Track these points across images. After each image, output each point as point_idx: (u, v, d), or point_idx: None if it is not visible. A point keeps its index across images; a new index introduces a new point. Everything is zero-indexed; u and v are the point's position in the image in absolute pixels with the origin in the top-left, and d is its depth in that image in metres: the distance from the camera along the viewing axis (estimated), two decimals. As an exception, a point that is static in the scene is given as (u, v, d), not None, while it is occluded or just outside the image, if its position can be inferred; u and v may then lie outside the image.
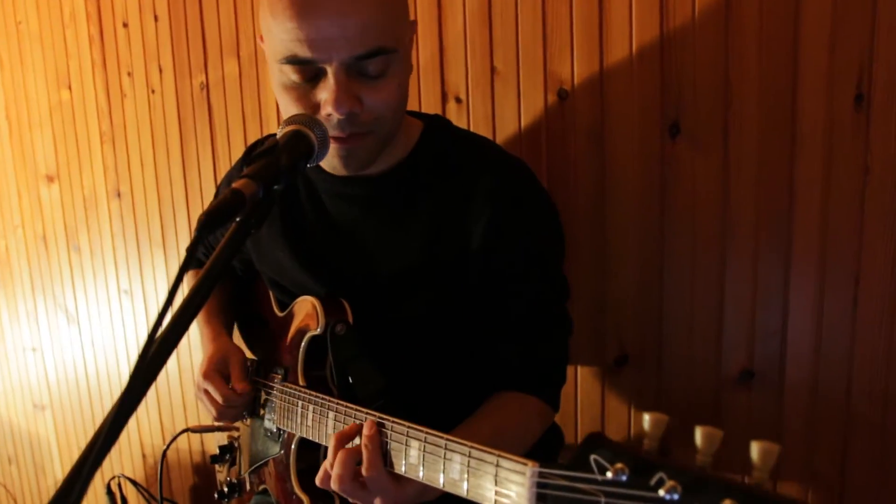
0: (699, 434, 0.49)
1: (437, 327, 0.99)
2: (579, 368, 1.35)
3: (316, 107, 0.83)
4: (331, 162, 0.89)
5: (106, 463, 2.18)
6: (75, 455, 2.26)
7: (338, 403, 0.83)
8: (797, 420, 1.17)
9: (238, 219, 0.69)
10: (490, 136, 1.34)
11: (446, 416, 0.91)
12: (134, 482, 1.85)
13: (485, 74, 1.33)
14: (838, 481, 1.16)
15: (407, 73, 0.89)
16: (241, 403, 1.02)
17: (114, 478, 1.85)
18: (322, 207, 1.01)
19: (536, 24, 1.26)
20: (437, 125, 1.02)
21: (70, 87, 1.98)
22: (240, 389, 1.00)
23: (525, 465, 0.57)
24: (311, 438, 0.90)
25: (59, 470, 2.36)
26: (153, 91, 1.80)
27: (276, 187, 0.70)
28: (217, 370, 1.02)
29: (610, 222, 1.26)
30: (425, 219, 0.95)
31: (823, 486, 1.17)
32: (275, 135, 0.79)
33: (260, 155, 0.70)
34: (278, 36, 0.81)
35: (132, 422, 2.06)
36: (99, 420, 2.16)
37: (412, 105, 1.42)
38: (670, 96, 1.17)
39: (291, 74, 0.83)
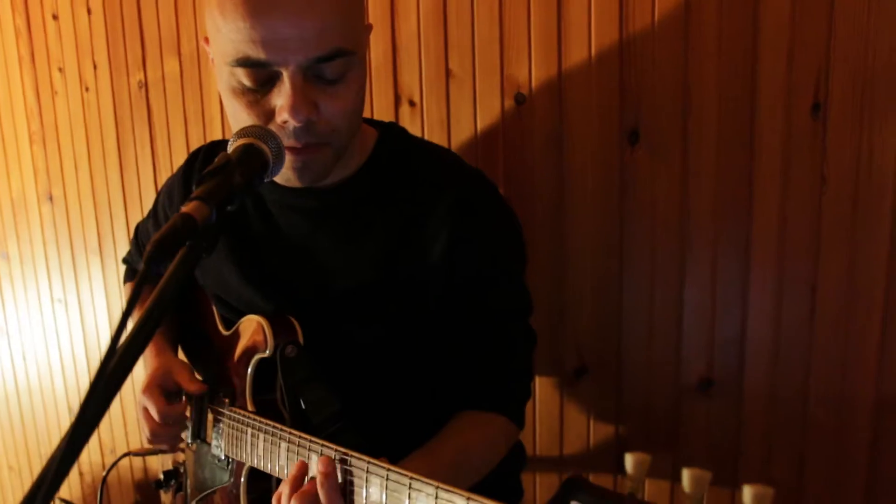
0: (686, 477, 0.46)
1: (394, 346, 0.94)
2: (538, 379, 1.32)
3: (270, 114, 0.77)
4: (284, 174, 0.83)
5: (34, 479, 2.06)
6: (4, 475, 2.14)
7: (290, 433, 0.78)
8: (756, 427, 1.17)
9: (187, 244, 0.63)
10: (445, 141, 1.30)
11: (409, 437, 0.87)
12: (68, 503, 1.75)
13: (440, 77, 1.28)
14: (797, 486, 1.16)
15: (364, 78, 0.84)
16: (180, 421, 0.95)
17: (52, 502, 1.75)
18: (271, 220, 0.95)
19: (493, 25, 1.22)
20: (392, 134, 0.97)
21: (-6, 83, 1.85)
22: (193, 390, 0.93)
23: None
24: (262, 469, 0.84)
25: (-12, 489, 2.22)
26: (87, 89, 1.69)
27: (229, 208, 0.64)
28: (158, 385, 0.95)
29: (568, 230, 1.23)
30: (381, 233, 0.90)
31: (782, 492, 1.18)
32: (224, 146, 0.73)
33: (211, 173, 0.64)
34: (228, 36, 0.74)
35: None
36: (32, 437, 2.05)
37: (364, 108, 1.37)
38: (629, 103, 1.15)
39: (243, 78, 0.77)
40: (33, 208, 1.86)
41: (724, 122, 1.10)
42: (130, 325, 0.56)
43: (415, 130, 1.33)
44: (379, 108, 1.35)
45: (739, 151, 1.10)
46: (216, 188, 0.63)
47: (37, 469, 2.02)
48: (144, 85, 1.61)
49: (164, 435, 0.96)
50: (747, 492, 0.45)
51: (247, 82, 0.77)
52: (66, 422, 1.95)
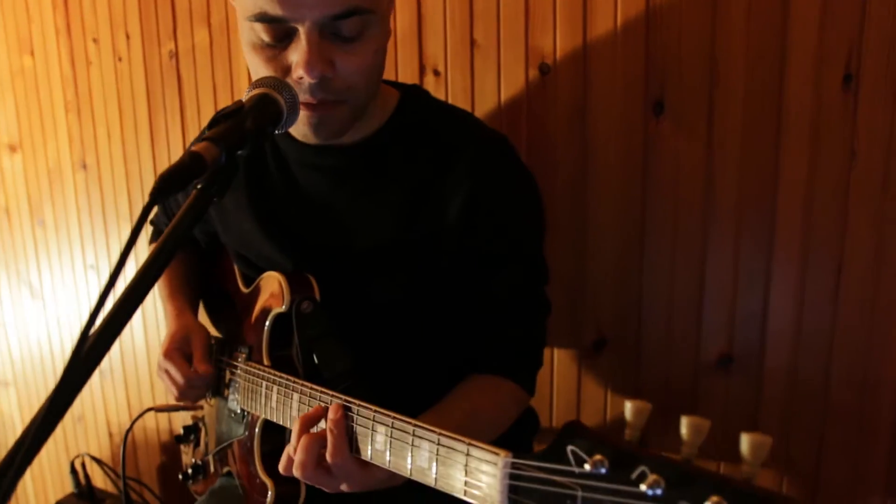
0: (685, 424, 0.46)
1: (409, 306, 0.95)
2: (556, 351, 1.32)
3: (287, 69, 0.78)
4: (301, 129, 0.84)
5: (71, 441, 2.12)
6: (40, 434, 2.20)
7: (302, 385, 0.79)
8: (775, 407, 1.16)
9: (199, 185, 0.64)
10: (468, 110, 1.30)
11: (419, 399, 0.88)
12: (98, 461, 1.81)
13: (464, 47, 1.28)
14: (814, 469, 1.15)
15: (384, 38, 0.83)
16: (203, 384, 0.98)
17: (78, 456, 1.80)
18: (291, 178, 0.96)
19: (519, -6, 1.21)
20: (414, 95, 0.97)
21: (32, 53, 1.89)
22: (201, 371, 0.95)
23: (497, 454, 0.54)
24: (275, 421, 0.86)
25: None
26: (120, 59, 1.72)
27: (240, 152, 0.65)
28: (178, 349, 0.98)
29: (590, 201, 1.22)
30: (399, 192, 0.91)
31: (800, 474, 1.16)
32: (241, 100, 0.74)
33: (224, 117, 0.66)
34: None
35: (98, 400, 2.00)
36: (64, 398, 2.11)
37: (388, 77, 1.37)
38: (655, 73, 1.13)
39: (261, 33, 0.78)
40: (68, 176, 1.91)
41: (751, 94, 1.08)
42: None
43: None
44: (404, 77, 1.35)
45: (766, 124, 1.08)
46: (227, 131, 0.64)
47: (69, 427, 2.09)
48: (175, 55, 1.63)
49: (190, 394, 0.99)
50: (745, 440, 0.44)
51: (265, 37, 0.78)
52: (96, 382, 2.00)
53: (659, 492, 0.44)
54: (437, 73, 1.32)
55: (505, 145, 0.96)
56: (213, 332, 1.12)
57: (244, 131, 0.66)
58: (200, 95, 1.62)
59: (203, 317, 1.16)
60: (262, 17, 0.75)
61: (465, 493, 0.57)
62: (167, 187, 0.56)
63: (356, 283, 0.93)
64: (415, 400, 0.88)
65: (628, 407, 0.49)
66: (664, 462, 0.45)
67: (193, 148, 0.61)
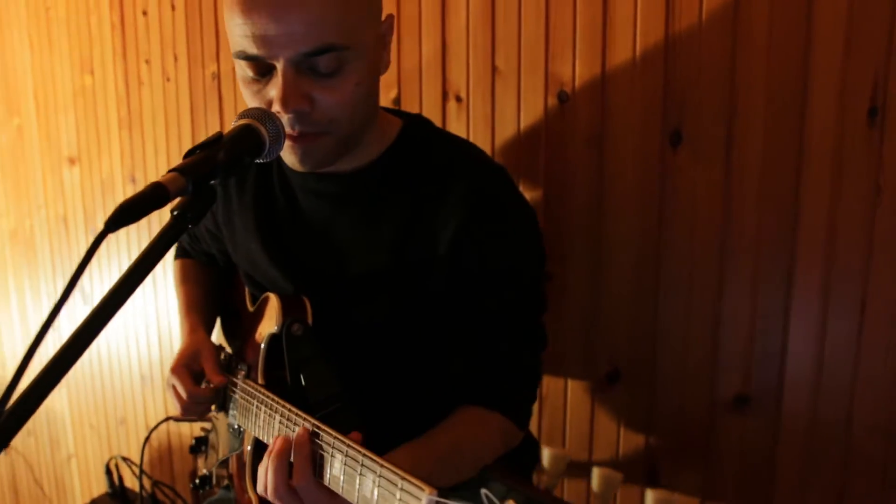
0: (597, 476, 0.45)
1: (401, 334, 0.95)
2: (569, 382, 1.30)
3: (269, 104, 0.81)
4: (289, 159, 0.87)
5: (114, 442, 2.21)
6: (88, 432, 2.31)
7: (283, 406, 0.81)
8: (793, 452, 1.11)
9: (174, 212, 0.67)
10: (489, 138, 1.30)
11: (408, 424, 0.88)
12: (129, 462, 1.87)
13: (486, 73, 1.29)
14: (834, 521, 1.09)
15: (369, 71, 0.84)
16: (206, 400, 1.00)
17: (112, 458, 1.88)
18: (295, 202, 0.99)
19: (539, 22, 1.21)
20: (416, 124, 0.99)
21: (92, 73, 2.00)
22: (215, 382, 0.98)
23: (422, 490, 0.54)
24: (261, 439, 0.88)
25: (71, 444, 2.41)
26: (168, 79, 1.81)
27: (212, 182, 0.68)
28: (186, 365, 1.01)
29: (606, 232, 1.21)
30: (396, 220, 0.92)
31: (818, 524, 1.11)
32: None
33: (200, 147, 0.68)
34: (231, 30, 0.79)
35: (139, 404, 2.08)
36: (109, 399, 2.20)
37: (413, 103, 1.39)
38: (673, 103, 1.11)
39: (247, 69, 0.81)
40: (119, 188, 2.00)
41: (771, 125, 1.04)
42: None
43: (460, 126, 1.34)
44: (427, 103, 1.37)
45: (787, 156, 1.04)
46: (196, 162, 0.66)
47: (112, 428, 2.18)
48: (217, 76, 1.70)
49: (194, 409, 1.02)
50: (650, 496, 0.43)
51: (250, 73, 0.81)
52: (138, 388, 2.08)
53: None
54: (459, 99, 1.33)
55: (500, 176, 0.95)
56: (227, 347, 1.15)
57: (215, 162, 0.68)
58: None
59: (219, 334, 1.20)
60: (242, 56, 0.79)
61: None
62: (123, 217, 0.59)
63: (349, 307, 0.95)
64: (406, 426, 0.88)
65: (545, 454, 0.48)
66: None
67: (160, 178, 0.63)
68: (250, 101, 0.83)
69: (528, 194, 1.28)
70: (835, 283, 1.04)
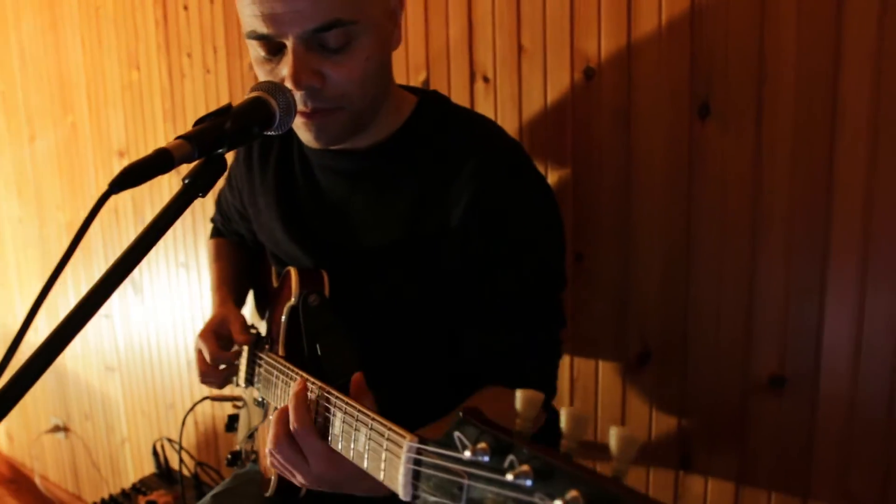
0: (564, 415, 0.44)
1: (416, 309, 0.95)
2: (600, 363, 1.28)
3: (283, 82, 0.82)
4: (304, 136, 0.88)
5: (164, 426, 2.28)
6: (139, 418, 2.39)
7: (298, 374, 0.82)
8: (832, 433, 1.06)
9: (185, 181, 0.69)
10: (516, 117, 1.29)
11: (423, 400, 0.88)
12: (170, 441, 1.93)
13: (512, 53, 1.28)
14: (877, 504, 1.04)
15: (379, 46, 0.85)
16: (228, 362, 1.02)
17: (159, 439, 1.94)
18: (314, 180, 1.00)
19: (564, -1, 1.19)
20: (431, 101, 0.99)
21: (138, 68, 2.07)
22: (240, 340, 1.00)
23: (403, 437, 0.54)
24: (279, 408, 0.89)
25: (125, 429, 2.50)
26: (208, 71, 1.86)
27: (219, 151, 0.69)
28: (213, 331, 1.03)
29: (635, 208, 1.18)
30: (410, 195, 0.92)
31: (860, 509, 1.06)
32: None
33: (208, 116, 0.70)
34: (241, 11, 0.81)
35: (186, 390, 2.15)
36: (159, 386, 2.28)
37: (441, 85, 1.39)
38: (700, 74, 1.08)
39: (259, 49, 0.83)
40: (164, 180, 2.07)
41: (803, 93, 1.00)
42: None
43: (488, 106, 1.33)
44: (455, 84, 1.37)
45: (820, 124, 1.00)
46: (203, 130, 0.68)
47: (162, 414, 2.25)
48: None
49: (212, 376, 1.04)
50: (613, 434, 0.42)
51: (262, 53, 0.83)
52: (185, 374, 2.15)
53: (528, 482, 0.42)
54: (486, 79, 1.32)
55: (513, 150, 0.95)
56: (261, 327, 1.18)
57: (222, 131, 0.70)
58: (275, 104, 1.71)
59: (253, 314, 1.23)
60: (253, 36, 0.81)
61: (383, 480, 0.58)
62: (127, 180, 0.61)
63: (365, 282, 0.96)
64: (421, 401, 0.89)
65: (518, 396, 0.47)
66: (533, 453, 0.43)
67: (166, 145, 0.65)
68: (264, 80, 0.84)
69: (556, 174, 1.27)
70: (873, 256, 0.99)
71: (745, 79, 1.05)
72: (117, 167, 2.25)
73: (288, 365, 0.87)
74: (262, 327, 1.17)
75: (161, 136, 2.05)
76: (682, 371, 1.19)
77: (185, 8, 1.88)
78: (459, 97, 1.36)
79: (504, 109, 1.31)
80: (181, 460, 1.35)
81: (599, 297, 1.25)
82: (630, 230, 1.20)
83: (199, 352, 1.03)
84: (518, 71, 1.28)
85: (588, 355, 1.29)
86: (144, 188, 2.15)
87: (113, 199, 2.14)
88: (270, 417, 0.95)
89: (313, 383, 0.76)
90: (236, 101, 1.77)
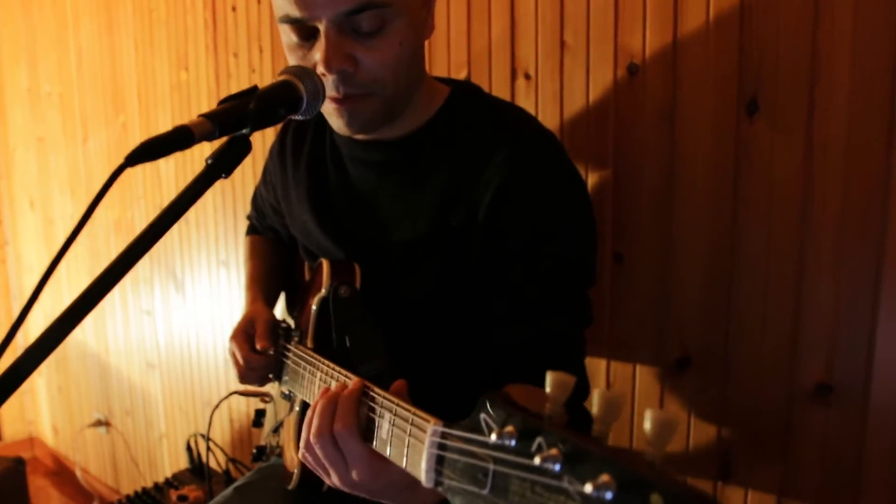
0: (597, 397, 0.42)
1: (442, 301, 0.94)
2: (638, 368, 1.25)
3: (315, 67, 0.82)
4: (335, 123, 0.88)
5: (200, 423, 2.31)
6: (177, 414, 2.42)
7: (325, 364, 0.81)
8: (883, 446, 1.01)
9: (208, 161, 0.69)
10: (557, 114, 1.28)
11: (452, 394, 0.86)
12: (204, 437, 1.94)
13: (554, 49, 1.26)
14: (932, 524, 0.98)
15: (413, 31, 0.84)
16: (262, 366, 1.03)
17: (192, 435, 1.96)
18: (345, 172, 1.00)
19: (609, -8, 1.18)
20: (464, 91, 0.98)
21: (187, 68, 2.12)
22: (259, 346, 1.00)
23: (427, 422, 0.52)
24: (306, 400, 0.88)
25: (163, 425, 2.53)
26: (254, 70, 1.89)
27: (244, 131, 0.69)
28: (245, 331, 1.04)
29: (678, 209, 1.15)
30: (439, 186, 0.91)
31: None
32: None
33: (231, 97, 0.70)
34: None
35: (223, 388, 2.17)
36: (197, 383, 2.30)
37: (482, 82, 1.38)
38: (749, 69, 1.05)
39: (291, 34, 0.83)
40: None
41: (858, 90, 0.96)
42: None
43: (529, 104, 1.32)
44: (497, 82, 1.36)
45: (877, 125, 0.96)
46: (226, 110, 0.68)
47: (199, 411, 2.27)
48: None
49: (250, 377, 1.05)
50: (649, 417, 0.39)
51: (294, 38, 0.83)
52: (222, 372, 2.17)
53: (557, 466, 0.40)
54: (527, 76, 1.31)
55: (545, 140, 0.92)
56: (291, 322, 1.18)
57: (245, 111, 0.69)
58: (317, 103, 1.72)
59: (285, 309, 1.23)
60: (286, 20, 0.81)
61: (406, 464, 0.55)
62: (145, 153, 0.61)
63: (395, 275, 0.95)
64: (448, 395, 0.87)
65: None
66: (563, 435, 0.41)
67: (187, 122, 0.65)
68: None
69: (597, 172, 1.24)
70: (931, 261, 0.94)
71: (797, 76, 1.01)
72: (164, 166, 2.30)
73: (316, 356, 0.86)
74: (293, 322, 1.18)
75: (206, 136, 2.09)
76: (723, 377, 1.15)
77: (234, 9, 1.92)
78: (500, 94, 1.35)
79: (545, 107, 1.29)
80: (209, 452, 1.35)
81: (638, 299, 1.21)
82: (672, 231, 1.16)
83: (233, 354, 1.04)
84: (560, 68, 1.26)
85: (626, 359, 1.26)
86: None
87: (158, 196, 2.18)
88: (296, 409, 0.95)
89: (347, 376, 0.74)
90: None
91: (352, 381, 0.73)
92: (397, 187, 0.95)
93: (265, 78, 1.86)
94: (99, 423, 2.93)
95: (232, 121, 0.69)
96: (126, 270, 0.62)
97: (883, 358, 0.99)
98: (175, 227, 2.22)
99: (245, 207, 1.97)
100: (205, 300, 2.21)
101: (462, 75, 1.40)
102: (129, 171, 2.12)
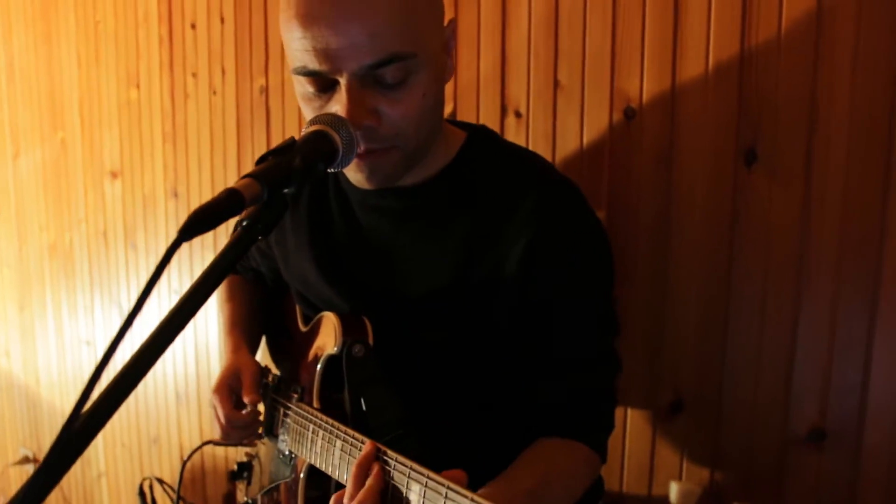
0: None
1: (466, 357, 0.90)
2: (629, 411, 1.24)
3: None
4: (355, 177, 0.83)
5: (146, 462, 2.18)
6: (118, 450, 2.28)
7: (345, 432, 0.76)
8: (875, 492, 1.03)
9: (244, 223, 0.63)
10: (549, 154, 1.26)
11: (473, 452, 0.83)
12: (163, 483, 1.83)
13: (547, 88, 1.25)
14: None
15: (435, 80, 0.80)
16: (247, 424, 0.96)
17: (146, 479, 1.84)
18: (353, 219, 0.95)
19: (605, 35, 1.17)
20: (481, 136, 0.95)
21: (138, 87, 2.00)
22: (248, 401, 0.94)
23: None
24: (318, 466, 0.83)
25: (102, 462, 2.37)
26: (215, 92, 1.80)
27: (286, 191, 0.64)
28: (228, 385, 0.97)
29: (673, 254, 1.15)
30: (460, 237, 0.87)
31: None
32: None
33: (273, 153, 0.65)
34: (290, 45, 0.76)
35: (173, 423, 2.05)
36: (143, 418, 2.17)
37: (470, 118, 1.36)
38: (748, 119, 1.06)
39: (307, 86, 0.78)
40: (160, 203, 1.99)
41: (856, 143, 0.99)
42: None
43: (519, 142, 1.30)
44: (485, 118, 1.33)
45: (874, 176, 0.98)
46: (272, 168, 0.63)
47: (145, 448, 2.14)
48: (265, 90, 1.68)
49: (234, 435, 0.98)
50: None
51: (311, 89, 0.78)
52: (172, 406, 2.05)
53: None
54: (518, 114, 1.29)
55: (570, 190, 0.90)
56: (275, 369, 1.11)
57: (291, 169, 0.64)
58: (287, 129, 1.66)
59: (265, 354, 1.16)
60: (303, 72, 0.76)
61: None
62: (199, 225, 0.55)
63: (411, 328, 0.90)
64: (470, 453, 0.83)
65: (673, 489, 0.42)
66: None
67: (234, 184, 0.59)
68: (312, 117, 0.79)
69: (590, 214, 1.23)
70: (925, 311, 0.97)
71: (796, 127, 1.03)
72: (109, 188, 2.16)
73: (330, 420, 0.81)
74: (276, 368, 1.11)
75: (159, 158, 1.98)
76: (716, 421, 1.15)
77: (193, 26, 1.82)
78: (488, 131, 1.32)
79: (537, 146, 1.28)
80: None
81: (631, 341, 1.21)
82: (666, 275, 1.16)
83: (215, 408, 0.96)
84: (553, 107, 1.25)
85: (618, 401, 1.25)
86: (139, 210, 2.06)
87: (102, 220, 2.06)
88: (302, 476, 0.89)
89: (384, 451, 0.69)
90: (244, 124, 1.73)
91: (374, 469, 0.67)
92: (414, 237, 0.90)
93: (227, 100, 1.77)
94: (26, 460, 2.72)
95: (279, 180, 0.63)
96: (153, 363, 0.56)
97: (876, 404, 1.02)
98: (121, 253, 2.10)
99: (203, 236, 1.88)
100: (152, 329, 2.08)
101: (448, 110, 1.37)
102: (70, 189, 2.00)
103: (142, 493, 1.79)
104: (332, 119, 0.72)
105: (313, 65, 0.74)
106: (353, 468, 0.71)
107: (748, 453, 1.13)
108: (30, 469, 2.74)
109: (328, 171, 0.73)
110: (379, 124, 0.77)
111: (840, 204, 1.01)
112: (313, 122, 0.72)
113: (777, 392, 1.09)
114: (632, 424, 1.24)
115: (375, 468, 0.68)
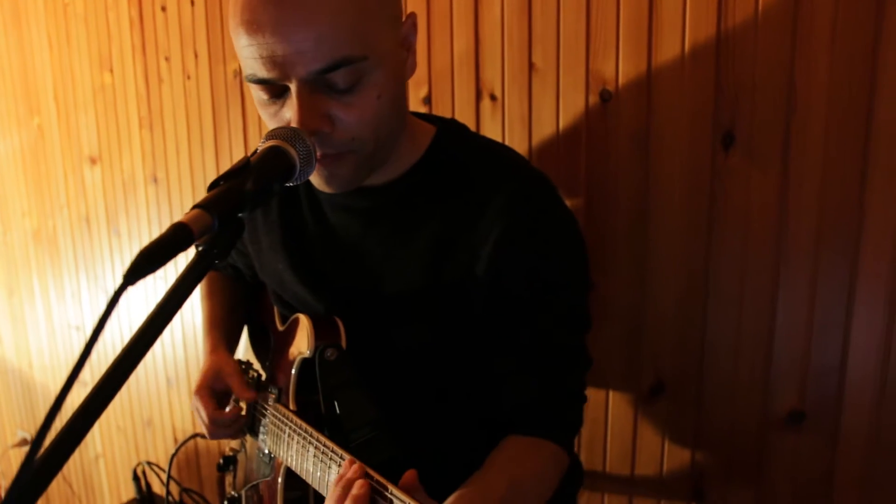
0: None
1: (437, 354, 0.90)
2: (611, 394, 1.24)
3: (287, 125, 0.75)
4: (315, 181, 0.81)
5: (141, 444, 2.20)
6: (114, 433, 2.30)
7: (317, 440, 0.76)
8: (852, 472, 1.04)
9: (199, 248, 0.62)
10: (525, 138, 1.24)
11: (446, 450, 0.83)
12: (155, 467, 1.85)
13: (522, 71, 1.22)
14: (899, 547, 1.03)
15: (392, 80, 0.78)
16: (229, 424, 0.96)
17: (139, 464, 1.86)
18: (324, 219, 0.93)
19: (580, 16, 1.14)
20: (450, 132, 0.92)
21: (112, 71, 1.96)
22: (245, 398, 0.94)
23: None
24: (294, 469, 0.83)
25: (98, 444, 2.40)
26: (189, 77, 1.76)
27: (240, 214, 0.62)
28: (208, 386, 0.97)
29: (652, 238, 1.14)
30: (431, 234, 0.86)
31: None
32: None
33: (225, 177, 0.63)
34: (239, 53, 0.73)
35: (165, 407, 2.06)
36: (136, 401, 2.18)
37: (445, 102, 1.33)
38: (725, 101, 1.04)
39: (260, 93, 0.75)
40: (140, 188, 1.97)
41: (833, 125, 0.97)
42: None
43: (495, 126, 1.28)
44: (460, 102, 1.31)
45: (851, 159, 0.97)
46: (222, 195, 0.61)
47: (139, 430, 2.16)
48: (239, 73, 1.65)
49: (221, 433, 0.98)
50: None
51: (264, 96, 0.75)
52: (164, 390, 2.06)
53: None
54: (493, 97, 1.27)
55: (542, 184, 0.89)
56: (256, 363, 1.11)
57: (242, 194, 0.62)
58: (262, 114, 1.63)
59: (248, 349, 1.16)
60: (254, 79, 0.73)
61: None
62: (146, 265, 0.53)
63: (384, 327, 0.89)
64: (444, 452, 0.83)
65: None
66: None
67: (182, 218, 0.58)
68: (270, 123, 0.77)
69: (569, 200, 1.21)
70: (902, 294, 0.97)
71: (774, 109, 1.01)
72: (89, 173, 2.13)
73: (304, 426, 0.81)
74: (258, 364, 1.11)
75: (137, 143, 1.95)
76: (696, 404, 1.16)
77: (163, 9, 1.78)
78: (464, 115, 1.30)
79: (513, 130, 1.26)
80: (168, 492, 1.28)
81: (611, 326, 1.21)
82: (646, 259, 1.16)
83: (197, 410, 0.96)
84: (529, 90, 1.23)
85: (599, 385, 1.25)
86: (119, 196, 2.04)
87: (83, 206, 2.04)
88: (280, 479, 0.89)
89: (368, 475, 0.69)
90: (219, 109, 1.70)
91: (357, 483, 0.67)
92: (385, 236, 0.89)
93: (201, 85, 1.74)
94: (25, 443, 2.75)
95: (230, 207, 0.61)
96: (127, 374, 0.55)
97: (854, 385, 1.02)
98: (105, 238, 2.09)
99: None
100: (139, 316, 2.08)
101: (422, 94, 1.35)
102: (49, 175, 1.97)
103: (136, 478, 1.82)
104: (288, 133, 0.70)
105: (262, 73, 0.72)
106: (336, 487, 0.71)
107: (728, 435, 1.14)
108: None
109: (287, 185, 0.71)
110: (332, 130, 0.75)
111: (818, 186, 1.00)
112: (269, 136, 0.70)
113: (756, 374, 1.09)
114: (613, 407, 1.25)
115: (363, 486, 0.68)
